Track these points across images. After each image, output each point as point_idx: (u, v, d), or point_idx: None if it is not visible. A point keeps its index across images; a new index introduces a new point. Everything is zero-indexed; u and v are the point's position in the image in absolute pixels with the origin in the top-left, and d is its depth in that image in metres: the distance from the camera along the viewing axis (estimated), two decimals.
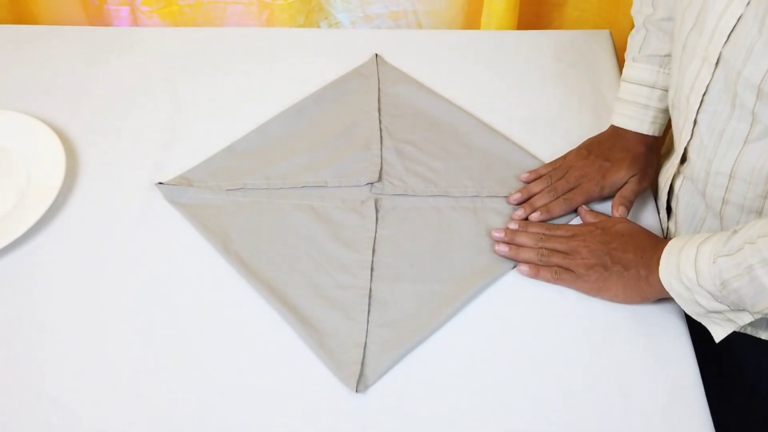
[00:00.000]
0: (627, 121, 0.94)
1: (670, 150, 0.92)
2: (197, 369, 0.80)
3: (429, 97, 1.06)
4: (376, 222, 0.92)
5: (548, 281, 0.85)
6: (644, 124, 0.93)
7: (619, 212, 0.89)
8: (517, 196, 0.93)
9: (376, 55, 1.12)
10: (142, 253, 0.90)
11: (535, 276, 0.85)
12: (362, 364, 0.79)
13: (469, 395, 0.78)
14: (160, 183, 0.96)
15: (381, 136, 1.01)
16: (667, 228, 0.92)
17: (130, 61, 1.14)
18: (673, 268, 0.75)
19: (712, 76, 0.74)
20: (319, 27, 1.29)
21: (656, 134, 0.94)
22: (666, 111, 0.92)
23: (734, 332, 0.75)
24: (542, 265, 0.85)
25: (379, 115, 1.04)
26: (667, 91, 0.90)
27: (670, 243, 0.78)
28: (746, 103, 0.71)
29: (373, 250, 0.89)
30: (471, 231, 0.90)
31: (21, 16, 1.31)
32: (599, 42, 1.16)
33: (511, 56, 1.14)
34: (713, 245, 0.73)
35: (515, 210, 0.92)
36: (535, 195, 0.93)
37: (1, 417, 0.77)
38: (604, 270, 0.82)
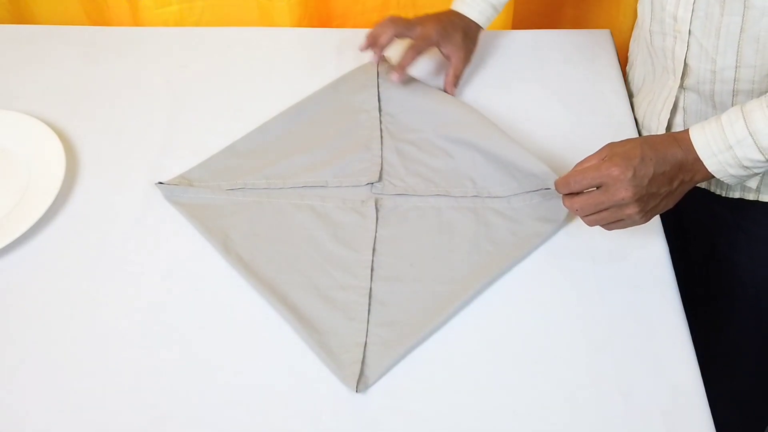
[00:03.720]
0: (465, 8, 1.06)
1: (640, 88, 1.03)
2: (197, 369, 0.80)
3: (429, 95, 1.06)
4: (377, 222, 0.92)
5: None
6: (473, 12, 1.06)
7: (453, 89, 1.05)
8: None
9: None
10: (141, 252, 0.90)
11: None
12: (362, 364, 0.79)
13: (469, 395, 0.78)
14: (160, 183, 0.96)
15: (381, 136, 1.01)
16: None
17: (130, 61, 1.14)
18: (729, 159, 0.77)
19: None
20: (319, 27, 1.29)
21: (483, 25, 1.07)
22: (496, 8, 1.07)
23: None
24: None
25: (380, 115, 1.04)
26: None
27: (696, 139, 0.78)
28: None
29: (374, 250, 0.89)
30: (471, 231, 0.90)
31: (21, 16, 1.31)
32: (599, 42, 1.16)
33: (511, 56, 1.14)
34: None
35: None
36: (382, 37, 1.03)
37: (3, 416, 0.77)
38: (654, 203, 0.80)
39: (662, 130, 0.97)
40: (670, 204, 0.81)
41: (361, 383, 0.78)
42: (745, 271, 1.02)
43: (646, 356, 0.80)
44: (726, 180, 0.79)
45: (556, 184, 0.84)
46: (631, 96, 1.07)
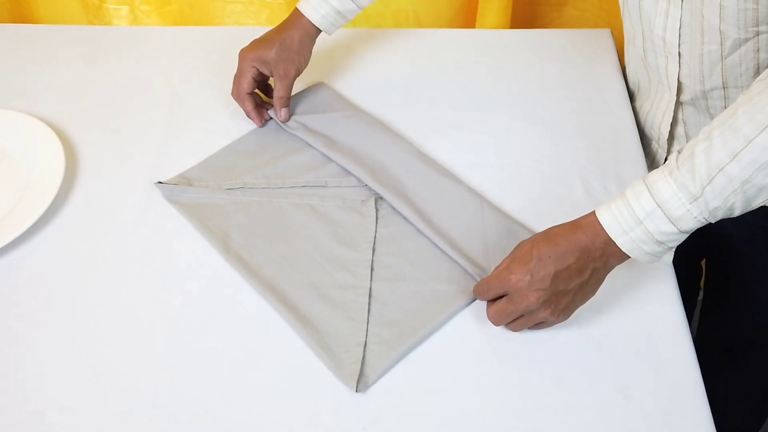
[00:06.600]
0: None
1: (635, 93, 1.05)
2: (197, 369, 0.80)
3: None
4: (376, 221, 0.91)
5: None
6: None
7: (283, 115, 1.01)
8: None
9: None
10: (141, 252, 0.90)
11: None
12: (362, 363, 0.79)
13: (469, 395, 0.78)
14: (160, 182, 0.96)
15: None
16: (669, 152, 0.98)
17: (130, 61, 1.14)
18: (642, 235, 0.73)
19: (681, 10, 0.82)
20: None
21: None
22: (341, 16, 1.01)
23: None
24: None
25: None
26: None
27: (604, 219, 0.74)
28: (713, 24, 0.78)
29: (373, 250, 0.89)
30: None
31: (21, 16, 1.31)
32: (599, 42, 1.16)
33: (511, 56, 1.14)
34: (676, 186, 0.70)
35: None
36: None
37: (3, 415, 0.77)
38: (567, 300, 0.78)
39: (664, 141, 0.97)
40: (588, 295, 0.79)
41: (361, 383, 0.78)
42: (764, 267, 1.00)
43: (646, 356, 0.80)
44: (642, 259, 0.75)
45: (473, 292, 0.82)
46: (630, 96, 1.07)
